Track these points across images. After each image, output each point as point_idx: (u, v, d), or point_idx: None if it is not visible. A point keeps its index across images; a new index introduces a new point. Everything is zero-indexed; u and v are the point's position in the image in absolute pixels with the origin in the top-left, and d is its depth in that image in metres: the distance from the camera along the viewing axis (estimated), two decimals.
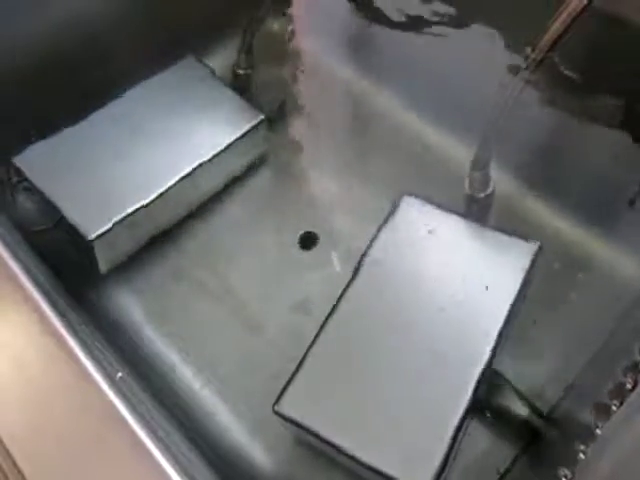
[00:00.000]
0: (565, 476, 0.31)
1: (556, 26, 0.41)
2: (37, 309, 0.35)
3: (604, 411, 0.31)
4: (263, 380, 0.48)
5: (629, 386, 0.31)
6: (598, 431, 0.31)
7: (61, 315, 0.35)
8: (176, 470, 0.31)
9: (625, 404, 0.31)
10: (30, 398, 0.33)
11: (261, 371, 0.49)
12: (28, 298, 0.36)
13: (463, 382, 0.43)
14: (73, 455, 0.32)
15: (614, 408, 0.31)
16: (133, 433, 0.31)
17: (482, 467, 0.45)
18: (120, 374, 0.35)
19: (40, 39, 0.55)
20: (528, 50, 0.42)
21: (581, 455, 0.30)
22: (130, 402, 0.32)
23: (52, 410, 0.33)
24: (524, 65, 0.43)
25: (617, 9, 0.45)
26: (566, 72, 0.50)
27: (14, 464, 0.31)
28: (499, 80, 0.45)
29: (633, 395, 0.31)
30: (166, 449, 0.31)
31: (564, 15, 0.40)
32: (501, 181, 0.54)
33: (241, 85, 0.62)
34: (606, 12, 0.45)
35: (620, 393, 0.31)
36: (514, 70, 0.44)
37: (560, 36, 0.41)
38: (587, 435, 0.31)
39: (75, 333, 0.34)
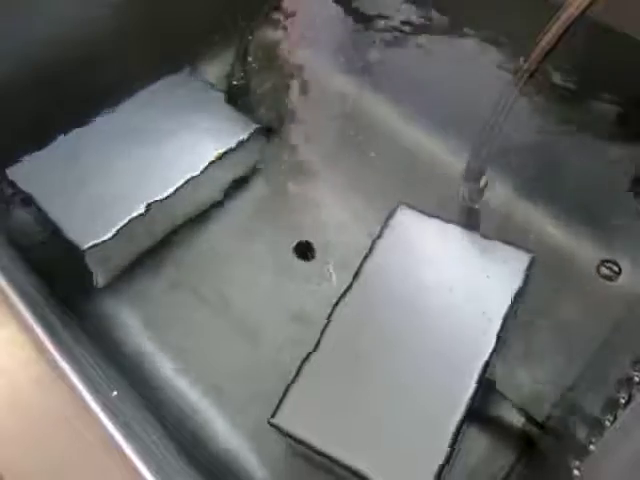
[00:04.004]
0: None
1: (548, 37, 0.41)
2: (30, 331, 0.35)
3: (598, 426, 0.31)
4: (260, 390, 0.48)
5: (622, 401, 0.31)
6: (592, 447, 0.30)
7: (55, 336, 0.35)
8: None
9: (619, 419, 0.31)
10: (23, 424, 0.33)
11: (258, 381, 0.50)
12: (21, 320, 0.35)
13: (459, 391, 0.43)
14: None
15: (607, 423, 0.31)
16: (127, 458, 0.31)
17: (479, 476, 0.45)
18: (115, 392, 0.35)
19: (36, 51, 0.55)
20: (521, 61, 0.42)
21: (575, 472, 0.30)
22: (124, 425, 0.32)
23: (45, 436, 0.33)
24: (517, 76, 0.43)
25: (609, 20, 0.45)
26: (559, 82, 0.50)
27: None
28: (494, 91, 0.45)
29: (627, 410, 0.31)
30: (159, 472, 0.31)
31: (556, 26, 0.40)
32: (496, 190, 0.55)
33: (236, 96, 0.62)
34: (598, 23, 0.45)
35: (614, 408, 0.31)
36: (508, 80, 0.44)
37: (552, 47, 0.41)
38: (581, 450, 0.31)
39: (69, 354, 0.34)
